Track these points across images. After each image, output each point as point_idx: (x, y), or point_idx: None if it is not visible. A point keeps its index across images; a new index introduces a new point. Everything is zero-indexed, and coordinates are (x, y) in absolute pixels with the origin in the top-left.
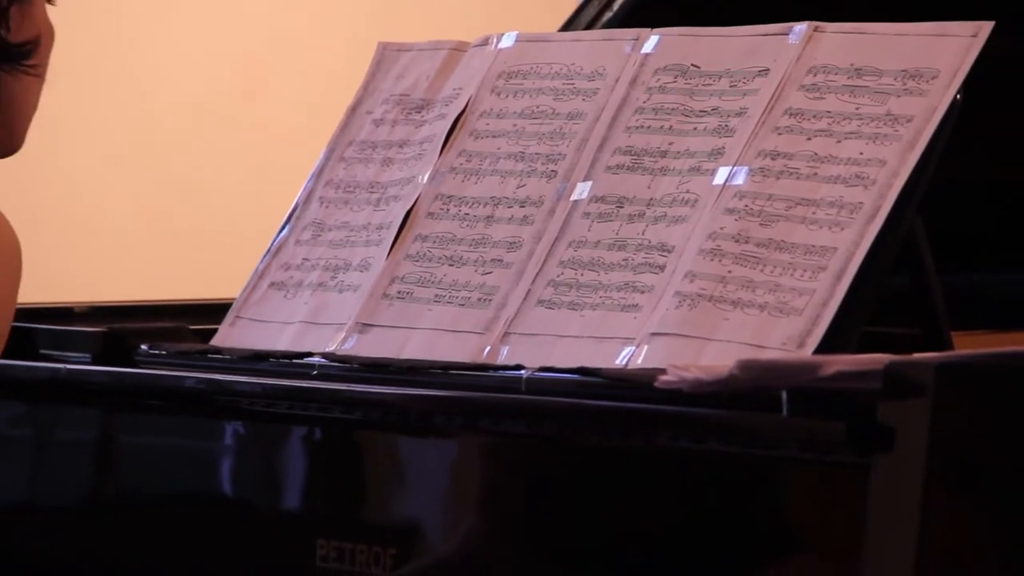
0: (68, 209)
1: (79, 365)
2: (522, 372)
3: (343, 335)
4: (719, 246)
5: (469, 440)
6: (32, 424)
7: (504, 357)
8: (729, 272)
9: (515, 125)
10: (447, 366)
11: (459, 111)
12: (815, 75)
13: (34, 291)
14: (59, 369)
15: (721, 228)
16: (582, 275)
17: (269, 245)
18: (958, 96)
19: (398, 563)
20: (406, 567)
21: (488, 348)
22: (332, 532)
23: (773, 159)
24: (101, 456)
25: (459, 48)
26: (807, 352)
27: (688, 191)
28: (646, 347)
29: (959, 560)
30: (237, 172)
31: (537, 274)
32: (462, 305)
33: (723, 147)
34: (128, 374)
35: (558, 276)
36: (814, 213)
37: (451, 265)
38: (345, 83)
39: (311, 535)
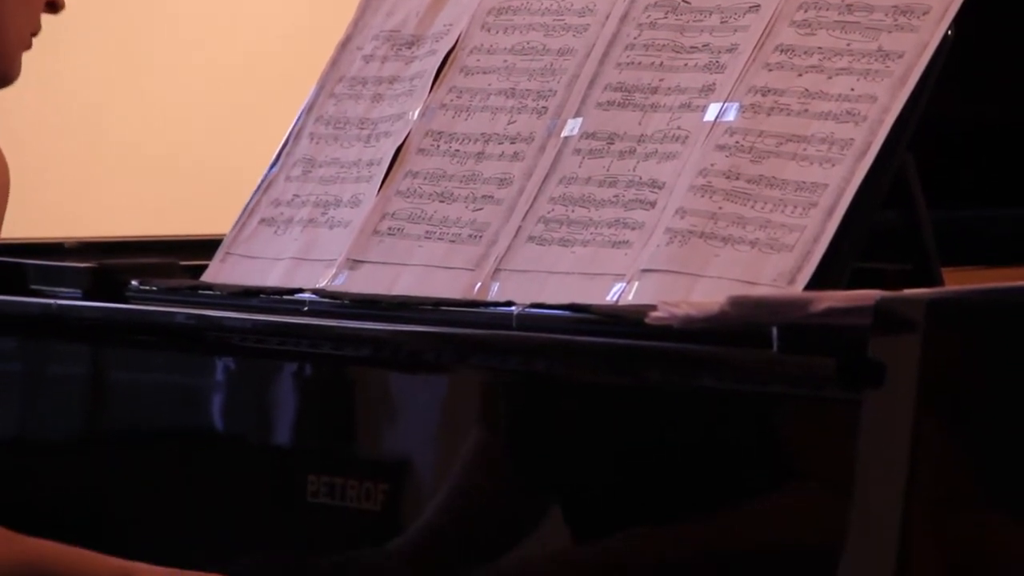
0: (58, 143)
1: (70, 301)
2: (513, 308)
3: (333, 271)
4: (710, 182)
5: (460, 376)
6: (22, 359)
7: (495, 293)
8: (720, 208)
9: (505, 61)
10: (438, 302)
11: (449, 47)
12: (806, 11)
13: (24, 226)
14: (50, 304)
15: (712, 164)
16: (573, 211)
17: (259, 181)
18: (949, 32)
19: (389, 498)
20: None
21: (479, 284)
22: (323, 468)
23: (764, 95)
24: (91, 392)
25: None
26: (798, 288)
27: (679, 127)
28: (637, 283)
29: (949, 495)
30: (227, 108)
31: (528, 211)
32: (452, 241)
33: (714, 83)
34: (119, 310)
35: (548, 212)
36: (805, 149)
37: (441, 201)
38: (335, 18)
39: (302, 471)
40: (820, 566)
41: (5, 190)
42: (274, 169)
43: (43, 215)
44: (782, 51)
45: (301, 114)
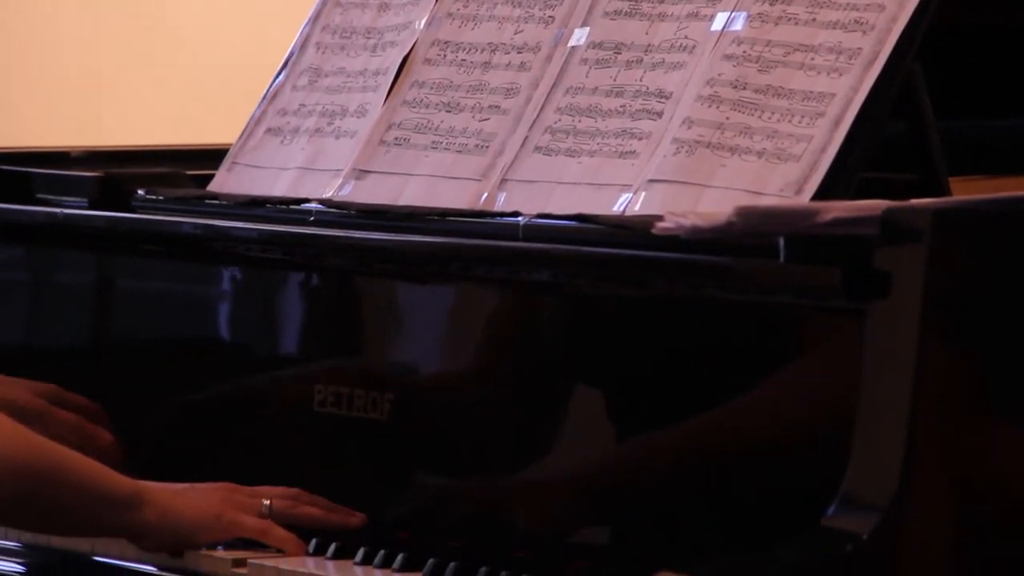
0: (64, 52)
1: (75, 210)
2: (519, 219)
3: (340, 181)
4: (717, 92)
5: (466, 286)
6: (29, 268)
7: (501, 204)
8: (727, 119)
9: None
10: (444, 212)
11: None
12: None
13: (31, 135)
14: (56, 214)
15: (719, 74)
16: (579, 122)
17: (265, 91)
18: None
19: (395, 408)
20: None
21: (485, 195)
22: (330, 378)
23: (771, 4)
24: (97, 300)
25: None
26: (804, 198)
27: (686, 37)
28: (643, 194)
29: (953, 404)
30: (234, 16)
31: (534, 121)
32: (459, 152)
33: None
34: (125, 219)
35: (555, 123)
36: (812, 59)
37: (448, 111)
38: None
39: (309, 381)
40: (825, 473)
41: None
42: (280, 78)
43: (49, 124)
44: None
45: (307, 23)
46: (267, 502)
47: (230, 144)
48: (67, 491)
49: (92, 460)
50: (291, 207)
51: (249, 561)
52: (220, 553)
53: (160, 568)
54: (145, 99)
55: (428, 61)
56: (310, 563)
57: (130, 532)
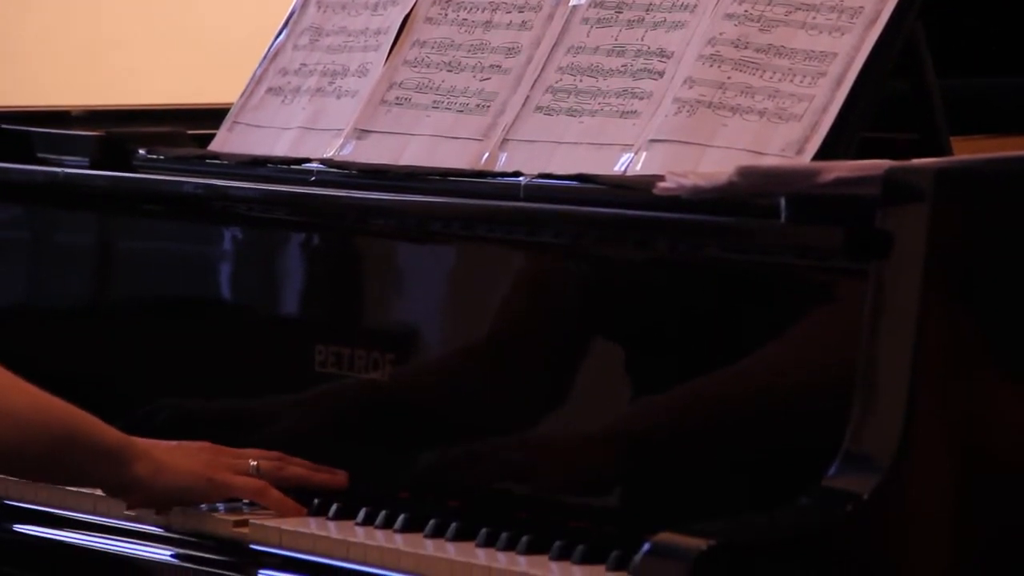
0: (65, 10)
1: (76, 169)
2: (520, 179)
3: (341, 141)
4: (718, 52)
5: (467, 247)
6: (30, 228)
7: (502, 164)
8: (728, 78)
9: None
10: (445, 172)
11: None
12: None
13: (31, 94)
14: (56, 173)
15: (720, 34)
16: (581, 81)
17: (266, 50)
18: None
19: (396, 368)
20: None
21: (486, 154)
22: (330, 338)
23: None
24: (98, 260)
25: None
26: (806, 158)
27: None
28: (645, 153)
29: (955, 364)
30: None
31: (536, 80)
32: (460, 111)
33: None
34: (126, 179)
35: (556, 82)
36: (814, 18)
37: (449, 71)
38: None
39: (310, 340)
40: (826, 433)
41: None
42: (281, 38)
43: (50, 83)
44: None
45: None
46: (254, 463)
47: (231, 104)
48: (65, 444)
49: (82, 411)
50: (292, 167)
51: (251, 522)
52: (222, 515)
53: (160, 527)
54: (146, 58)
55: (429, 20)
56: (312, 523)
57: (118, 486)
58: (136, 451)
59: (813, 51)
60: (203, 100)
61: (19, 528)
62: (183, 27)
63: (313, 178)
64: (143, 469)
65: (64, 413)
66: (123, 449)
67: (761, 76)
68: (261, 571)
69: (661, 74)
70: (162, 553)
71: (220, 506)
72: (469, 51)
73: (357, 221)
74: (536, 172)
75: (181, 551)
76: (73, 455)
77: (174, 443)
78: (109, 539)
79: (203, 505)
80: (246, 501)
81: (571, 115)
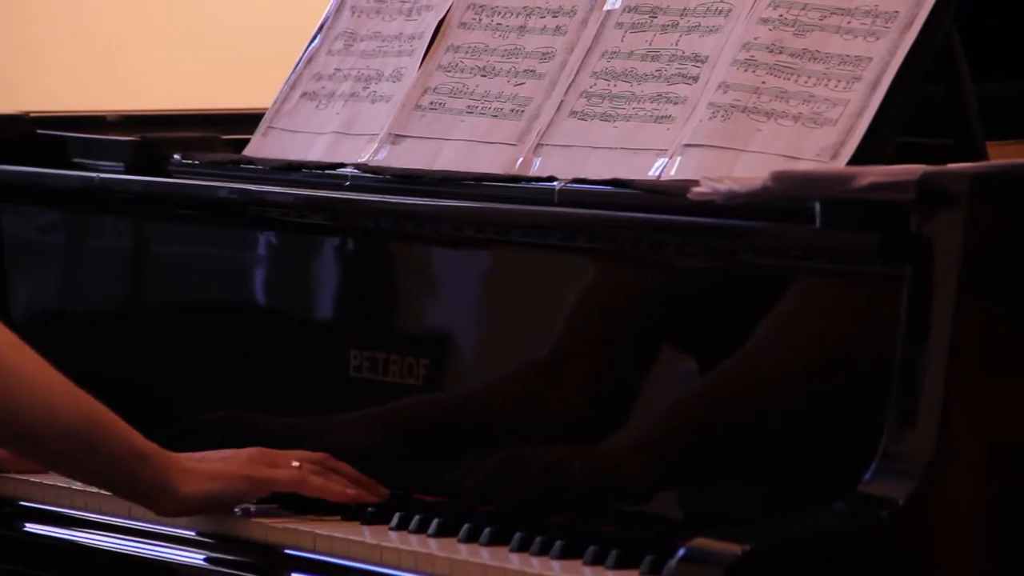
0: (100, 16)
1: (111, 174)
2: (554, 183)
3: (375, 146)
4: (753, 56)
5: (501, 252)
6: (65, 232)
7: (536, 168)
8: (763, 83)
9: None
10: (479, 177)
11: None
12: None
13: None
14: (92, 178)
15: (755, 38)
16: (615, 86)
17: (301, 55)
18: None
19: (430, 374)
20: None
21: (520, 159)
22: (365, 343)
23: None
24: (133, 265)
25: None
26: (841, 163)
27: (722, 1)
28: (679, 158)
29: (990, 369)
30: None
31: (570, 85)
32: (495, 116)
33: None
34: (161, 183)
35: (591, 87)
36: (849, 23)
37: (483, 76)
38: None
39: (344, 345)
40: (862, 439)
41: None
42: (316, 42)
43: (85, 88)
44: None
45: None
46: (296, 463)
47: (265, 109)
48: (103, 447)
49: (118, 417)
50: (327, 172)
51: (285, 526)
52: (256, 519)
53: (192, 531)
54: (180, 63)
55: (463, 25)
56: (345, 528)
57: (153, 493)
58: (170, 459)
59: (848, 55)
60: (238, 105)
61: (47, 531)
62: (218, 31)
63: (348, 183)
64: (175, 474)
65: (95, 407)
66: (152, 454)
67: (796, 81)
68: (291, 574)
69: (695, 79)
70: (195, 557)
71: (252, 507)
72: (503, 56)
73: (391, 226)
74: (570, 177)
75: (213, 555)
76: (101, 448)
77: (212, 452)
78: (141, 543)
79: (237, 509)
80: (277, 505)
81: (605, 120)
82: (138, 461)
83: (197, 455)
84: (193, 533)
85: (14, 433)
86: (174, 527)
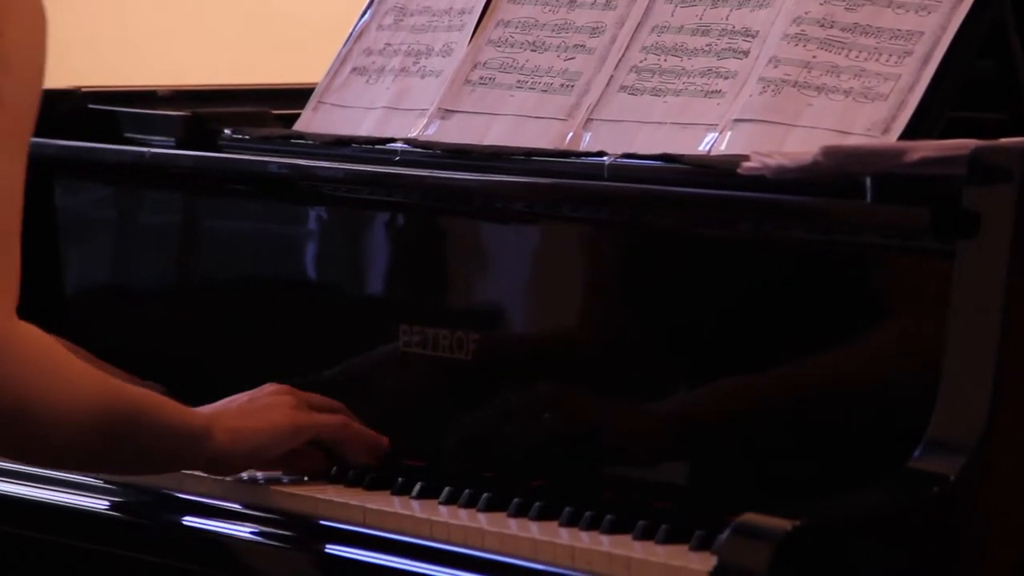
0: None
1: (163, 149)
2: (604, 159)
3: (425, 121)
4: (804, 31)
5: (551, 227)
6: (117, 207)
7: (586, 143)
8: (814, 57)
9: None
10: (529, 152)
11: None
12: None
13: (118, 74)
14: (143, 153)
15: (806, 12)
16: (665, 61)
17: (351, 30)
18: None
19: (480, 349)
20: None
21: (570, 134)
22: (415, 318)
23: None
24: (184, 240)
25: None
26: (892, 138)
27: None
28: (729, 133)
29: None
30: None
31: (620, 60)
32: (544, 91)
33: None
34: (212, 159)
35: (641, 62)
36: None
37: (533, 51)
38: None
39: (394, 320)
40: (912, 415)
41: (42, 35)
42: (366, 17)
43: (136, 63)
44: None
45: None
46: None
47: (315, 84)
48: (146, 432)
49: (163, 397)
50: (377, 147)
51: (333, 500)
52: (301, 488)
53: (241, 504)
54: (230, 38)
55: (513, 0)
56: (396, 502)
57: (207, 462)
58: (215, 422)
59: (899, 30)
60: (288, 80)
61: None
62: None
63: (398, 158)
64: (223, 438)
65: (128, 399)
66: (203, 425)
67: (847, 55)
68: (340, 548)
69: (746, 53)
70: (240, 530)
71: (284, 478)
72: (553, 31)
73: (441, 201)
74: (620, 152)
75: (261, 528)
76: (138, 439)
77: (244, 398)
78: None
79: (259, 476)
80: (306, 477)
81: (655, 95)
82: (178, 439)
83: (234, 409)
84: (239, 506)
85: (30, 435)
86: (231, 503)
